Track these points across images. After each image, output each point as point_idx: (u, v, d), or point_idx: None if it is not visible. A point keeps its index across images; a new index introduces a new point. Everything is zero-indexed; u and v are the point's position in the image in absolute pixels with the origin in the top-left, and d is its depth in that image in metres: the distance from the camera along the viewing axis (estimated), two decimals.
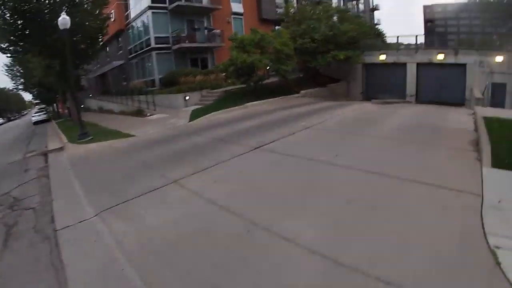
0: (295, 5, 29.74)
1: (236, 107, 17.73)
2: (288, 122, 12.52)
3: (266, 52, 19.84)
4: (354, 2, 53.58)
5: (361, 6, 55.79)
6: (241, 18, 31.48)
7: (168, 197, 6.27)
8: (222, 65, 20.77)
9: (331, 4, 29.00)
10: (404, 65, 24.76)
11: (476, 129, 10.16)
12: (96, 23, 20.52)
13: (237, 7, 31.28)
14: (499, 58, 21.79)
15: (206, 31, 28.48)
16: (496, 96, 20.72)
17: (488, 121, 10.52)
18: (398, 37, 25.73)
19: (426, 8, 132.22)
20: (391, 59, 25.11)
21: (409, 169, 6.61)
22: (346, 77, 27.05)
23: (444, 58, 23.24)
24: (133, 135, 13.70)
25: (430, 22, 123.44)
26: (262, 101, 19.15)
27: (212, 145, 10.14)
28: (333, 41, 22.47)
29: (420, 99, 24.55)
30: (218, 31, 28.28)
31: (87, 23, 19.59)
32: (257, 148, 9.03)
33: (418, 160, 7.31)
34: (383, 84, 25.76)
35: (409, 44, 26.64)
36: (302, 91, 22.34)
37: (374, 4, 62.16)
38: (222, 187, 6.44)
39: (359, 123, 12.28)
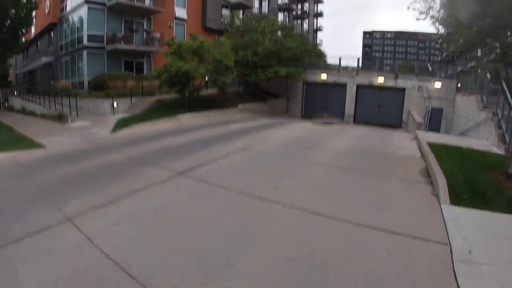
0: (240, 16, 28.68)
1: (167, 119, 15.94)
2: (222, 141, 11.08)
3: (205, 61, 18.38)
4: (299, 21, 54.28)
5: (306, 26, 56.76)
6: (183, 24, 29.60)
7: (55, 245, 4.33)
8: (156, 71, 18.79)
9: (277, 20, 28.33)
10: (344, 85, 24.76)
11: (422, 156, 9.55)
12: (20, 11, 17.60)
13: (180, 12, 29.43)
14: (437, 84, 22.43)
15: (145, 33, 26.13)
16: (433, 120, 21.13)
17: (434, 148, 10.02)
18: (340, 58, 25.89)
19: (365, 33, 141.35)
20: (332, 79, 24.98)
21: (362, 208, 5.52)
22: (286, 93, 26.40)
23: (384, 82, 23.48)
24: (43, 146, 11.30)
25: (368, 47, 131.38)
26: (197, 113, 17.58)
27: (130, 166, 8.19)
28: (276, 56, 21.70)
29: (358, 119, 24.59)
30: (157, 34, 26.05)
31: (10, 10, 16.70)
32: (183, 173, 7.33)
33: (371, 195, 6.22)
34: (322, 103, 25.50)
35: (346, 67, 26.87)
36: (241, 106, 21.15)
37: (318, 25, 63.97)
38: (128, 233, 4.65)
39: (301, 145, 11.11)
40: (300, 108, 26.25)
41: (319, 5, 63.70)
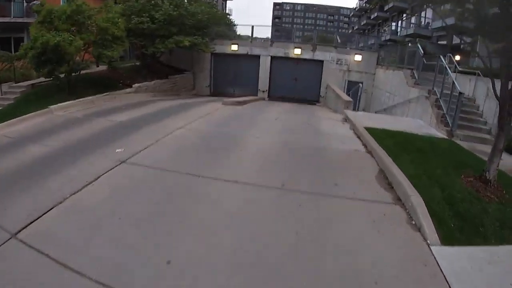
0: None
1: (37, 112, 11.07)
2: (94, 148, 6.90)
3: (86, 31, 14.09)
4: None
5: None
6: None
7: None
8: (22, 48, 13.81)
9: None
10: (257, 58, 22.22)
11: (369, 151, 7.28)
12: None
13: None
14: (357, 57, 21.08)
15: (24, 1, 20.19)
16: (352, 94, 19.72)
17: (376, 136, 8.17)
18: (253, 26, 22.94)
19: (275, 4, 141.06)
20: (244, 50, 22.20)
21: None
22: (192, 67, 22.98)
23: (301, 53, 21.41)
24: None
25: (278, 18, 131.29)
26: (77, 100, 13.04)
27: None
28: (178, 23, 18.02)
29: (273, 94, 22.47)
30: (38, 2, 20.17)
31: None
32: None
33: (328, 253, 3.66)
34: (233, 77, 22.84)
35: (260, 39, 24.20)
36: (136, 85, 17.16)
37: None
38: None
39: (208, 147, 7.49)
40: (208, 83, 23.17)
41: None
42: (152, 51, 17.86)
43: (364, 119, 10.84)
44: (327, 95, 21.29)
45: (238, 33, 28.26)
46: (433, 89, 12.17)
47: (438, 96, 11.55)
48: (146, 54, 18.71)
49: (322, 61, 21.67)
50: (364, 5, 53.73)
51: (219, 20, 22.75)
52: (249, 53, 22.19)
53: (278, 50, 21.90)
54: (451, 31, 17.48)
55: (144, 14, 17.19)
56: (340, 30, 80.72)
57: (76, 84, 14.32)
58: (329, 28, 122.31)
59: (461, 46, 23.76)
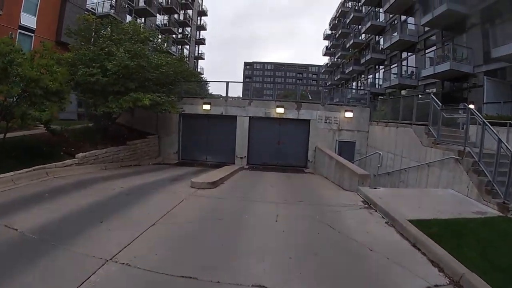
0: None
1: None
2: None
3: (6, 81, 10.58)
4: (180, 47, 47.88)
5: (186, 52, 50.74)
6: (31, 36, 20.98)
7: None
8: None
9: (144, 28, 21.04)
10: (233, 118, 19.00)
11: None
12: None
13: (28, 20, 20.68)
14: (348, 114, 18.37)
15: None
16: (344, 155, 16.65)
17: (445, 242, 5.18)
18: (227, 82, 19.90)
19: (246, 64, 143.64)
20: (218, 111, 19.02)
21: None
22: (157, 131, 19.58)
23: (284, 112, 18.44)
24: None
25: (249, 78, 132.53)
26: None
27: None
28: (138, 77, 14.84)
29: (253, 161, 19.01)
30: None
31: None
32: None
33: None
34: (206, 142, 19.45)
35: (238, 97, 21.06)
36: (81, 155, 13.42)
37: (200, 52, 58.78)
38: None
39: None
40: (176, 149, 19.56)
41: (202, 32, 59.10)
42: (103, 111, 14.31)
43: (392, 201, 7.67)
44: (316, 159, 18.14)
45: (210, 92, 25.59)
46: (464, 149, 9.25)
47: (477, 159, 8.58)
48: (97, 114, 15.20)
49: (308, 121, 18.77)
50: (336, 60, 53.43)
51: (189, 75, 19.89)
52: (224, 114, 19.01)
53: (257, 110, 18.88)
54: None
55: (94, 64, 13.90)
56: (308, 87, 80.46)
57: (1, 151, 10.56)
58: (297, 86, 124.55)
59: (453, 93, 21.93)
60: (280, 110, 18.46)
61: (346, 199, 9.07)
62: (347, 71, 44.37)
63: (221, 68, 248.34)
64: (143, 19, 35.04)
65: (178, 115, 18.77)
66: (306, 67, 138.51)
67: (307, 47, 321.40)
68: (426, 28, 24.29)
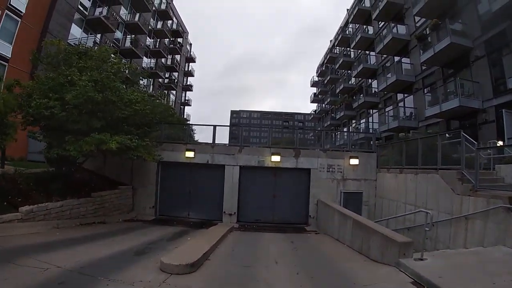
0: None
1: None
2: None
3: None
4: (166, 92, 45.72)
5: (172, 98, 48.69)
6: (5, 65, 19.13)
7: None
8: None
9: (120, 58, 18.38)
10: (221, 168, 16.21)
11: None
12: None
13: (3, 49, 18.97)
14: (353, 161, 15.98)
15: None
16: (350, 207, 14.09)
17: None
18: (215, 127, 17.10)
19: (233, 112, 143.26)
20: (203, 159, 16.21)
21: None
22: (132, 180, 16.62)
23: (280, 161, 15.81)
24: None
25: (235, 126, 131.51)
26: None
27: None
28: (105, 114, 12.03)
29: (244, 219, 16.00)
30: None
31: None
32: None
33: None
34: (188, 195, 16.45)
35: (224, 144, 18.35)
36: (27, 208, 10.24)
37: (186, 98, 56.89)
38: None
39: None
40: (153, 203, 16.43)
41: (190, 78, 57.63)
42: (57, 153, 11.29)
43: (456, 278, 5.45)
44: (319, 214, 15.30)
45: (196, 139, 23.01)
46: None
47: None
48: (57, 158, 12.13)
49: (308, 170, 16.10)
50: (325, 106, 52.07)
51: (169, 116, 17.29)
52: (210, 162, 16.18)
53: (249, 158, 16.14)
54: None
55: (52, 95, 11.13)
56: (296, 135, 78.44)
57: None
58: (284, 133, 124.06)
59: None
60: (276, 158, 15.78)
61: (387, 279, 6.25)
62: (337, 116, 42.56)
63: (208, 118, 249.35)
64: (129, 60, 33.16)
65: (156, 163, 15.97)
66: (292, 115, 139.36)
67: (294, 96, 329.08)
68: (424, 67, 23.04)
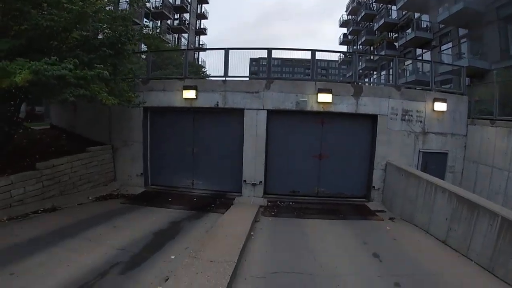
0: None
1: None
2: None
3: None
4: (176, 35, 38.96)
5: (184, 42, 41.85)
6: None
7: None
8: None
9: None
10: (239, 113, 10.10)
11: None
12: None
13: None
14: (440, 106, 9.79)
15: None
16: (431, 173, 8.37)
17: None
18: (227, 50, 10.38)
19: (252, 60, 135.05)
20: (211, 100, 10.07)
21: None
22: (110, 136, 11.06)
23: (332, 102, 9.69)
24: None
25: (255, 74, 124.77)
26: None
27: None
28: (19, 21, 6.59)
29: (274, 189, 10.25)
30: None
31: None
32: None
33: None
34: (190, 155, 10.68)
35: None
36: None
37: (200, 43, 49.50)
38: None
39: None
40: (142, 169, 10.82)
41: (203, 21, 50.08)
42: None
43: None
44: (387, 184, 9.66)
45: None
46: None
47: None
48: None
49: (374, 117, 9.96)
50: (359, 47, 44.45)
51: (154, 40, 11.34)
52: (220, 105, 10.07)
53: (282, 97, 9.88)
54: None
55: None
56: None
57: None
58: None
59: None
60: (325, 97, 9.57)
61: None
62: (375, 58, 35.24)
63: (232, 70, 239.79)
64: None
65: (142, 110, 10.35)
66: (315, 62, 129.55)
67: (325, 46, 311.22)
68: None
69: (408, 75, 23.33)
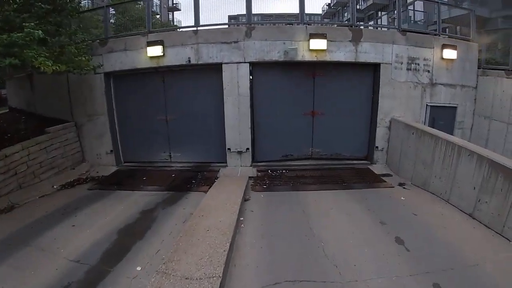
0: None
1: None
2: None
3: None
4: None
5: (157, 1, 38.25)
6: None
7: None
8: None
9: None
10: (216, 70, 8.38)
11: None
12: None
13: None
14: (449, 53, 8.30)
15: None
16: (439, 129, 7.06)
17: None
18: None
19: (230, 18, 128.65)
20: (183, 56, 8.29)
21: None
22: (71, 112, 9.36)
23: (327, 49, 8.03)
24: None
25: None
26: None
27: None
28: None
29: (264, 155, 8.87)
30: None
31: None
32: None
33: None
34: (164, 125, 9.09)
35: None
36: None
37: (174, 2, 45.65)
38: None
39: None
40: (111, 145, 9.21)
41: None
42: None
43: None
44: (392, 144, 8.34)
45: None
46: None
47: None
48: None
49: (376, 65, 8.38)
50: None
51: None
52: (193, 61, 8.35)
53: (267, 46, 8.14)
54: None
55: None
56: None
57: None
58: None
59: None
60: (319, 43, 7.86)
61: None
62: (363, 7, 32.23)
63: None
64: None
65: (103, 77, 8.61)
66: (296, 16, 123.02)
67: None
68: None
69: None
